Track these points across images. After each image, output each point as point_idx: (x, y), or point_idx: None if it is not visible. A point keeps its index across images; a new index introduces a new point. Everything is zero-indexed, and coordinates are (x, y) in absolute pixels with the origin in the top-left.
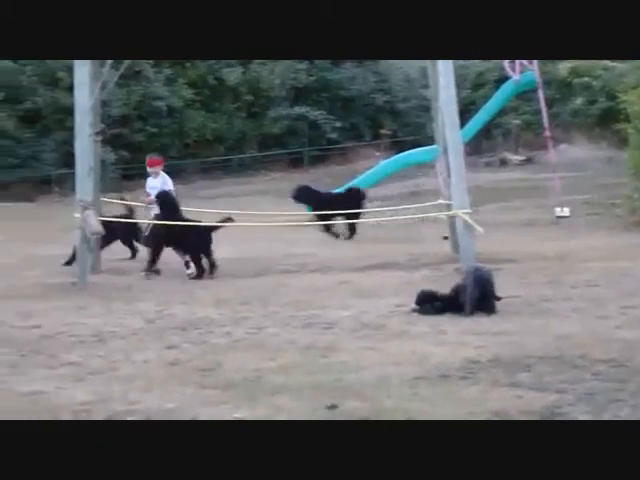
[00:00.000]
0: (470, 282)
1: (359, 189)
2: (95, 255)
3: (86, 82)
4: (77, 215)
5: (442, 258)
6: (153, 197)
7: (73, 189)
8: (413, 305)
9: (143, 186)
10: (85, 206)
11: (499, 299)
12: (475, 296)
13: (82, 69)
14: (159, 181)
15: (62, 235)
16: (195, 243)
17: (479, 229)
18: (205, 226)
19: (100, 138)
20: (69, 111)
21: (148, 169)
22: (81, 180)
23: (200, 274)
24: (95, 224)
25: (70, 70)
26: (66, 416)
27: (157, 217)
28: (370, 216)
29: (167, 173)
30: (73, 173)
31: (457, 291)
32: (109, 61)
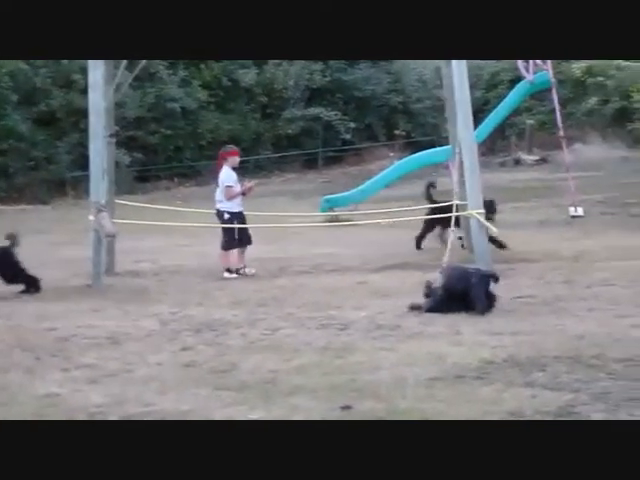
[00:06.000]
0: (477, 281)
1: None
2: (110, 257)
3: (100, 84)
4: (91, 217)
5: (458, 258)
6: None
7: (87, 191)
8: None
9: (158, 188)
10: (99, 208)
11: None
12: (483, 295)
13: (96, 71)
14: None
15: (78, 238)
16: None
17: (494, 229)
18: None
19: (114, 140)
20: (83, 113)
21: (236, 159)
22: (95, 182)
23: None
24: (109, 226)
25: (84, 72)
26: (81, 418)
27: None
28: (385, 217)
29: (182, 175)
30: (87, 175)
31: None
32: (123, 63)
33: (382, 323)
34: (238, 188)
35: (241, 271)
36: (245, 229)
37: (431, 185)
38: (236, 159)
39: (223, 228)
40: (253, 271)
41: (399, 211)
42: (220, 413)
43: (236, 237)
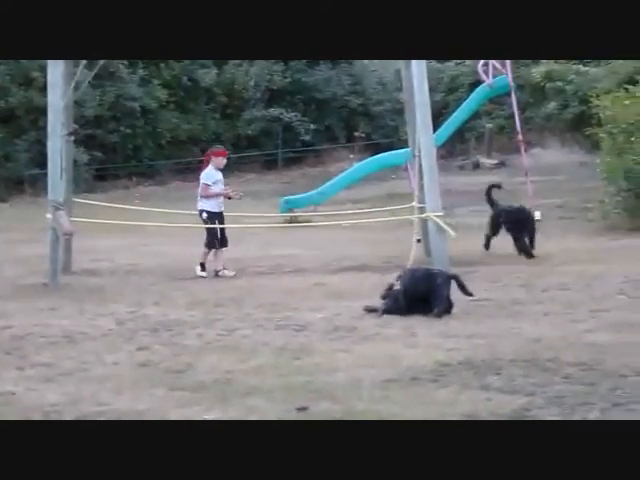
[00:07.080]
0: (442, 282)
1: None
2: (67, 256)
3: (59, 82)
4: (49, 216)
5: (415, 261)
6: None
7: (45, 189)
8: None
9: (117, 187)
10: (57, 207)
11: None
12: (445, 297)
13: (55, 69)
14: (220, 174)
15: (35, 236)
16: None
17: (451, 232)
18: None
19: (73, 138)
20: (42, 111)
21: (222, 160)
22: (53, 181)
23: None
24: (67, 225)
25: (44, 70)
26: (36, 417)
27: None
28: (344, 218)
29: (141, 175)
30: (46, 173)
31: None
32: (83, 61)
33: (339, 325)
34: (218, 188)
35: (220, 273)
36: (223, 231)
37: (494, 187)
38: (221, 160)
39: (207, 227)
40: (233, 273)
41: (358, 213)
42: (176, 413)
43: (218, 236)
